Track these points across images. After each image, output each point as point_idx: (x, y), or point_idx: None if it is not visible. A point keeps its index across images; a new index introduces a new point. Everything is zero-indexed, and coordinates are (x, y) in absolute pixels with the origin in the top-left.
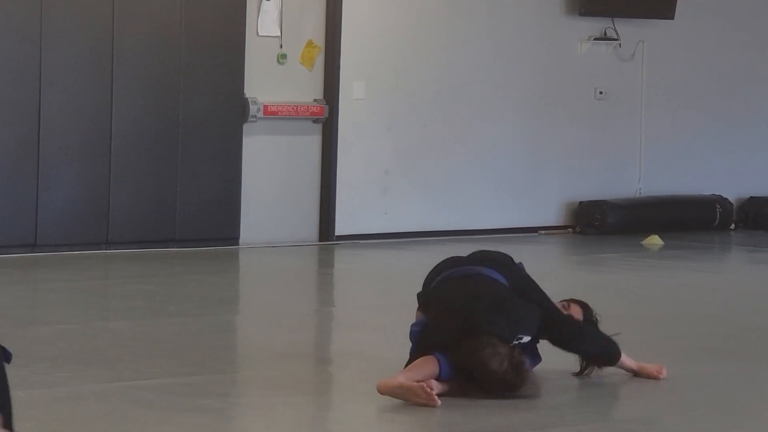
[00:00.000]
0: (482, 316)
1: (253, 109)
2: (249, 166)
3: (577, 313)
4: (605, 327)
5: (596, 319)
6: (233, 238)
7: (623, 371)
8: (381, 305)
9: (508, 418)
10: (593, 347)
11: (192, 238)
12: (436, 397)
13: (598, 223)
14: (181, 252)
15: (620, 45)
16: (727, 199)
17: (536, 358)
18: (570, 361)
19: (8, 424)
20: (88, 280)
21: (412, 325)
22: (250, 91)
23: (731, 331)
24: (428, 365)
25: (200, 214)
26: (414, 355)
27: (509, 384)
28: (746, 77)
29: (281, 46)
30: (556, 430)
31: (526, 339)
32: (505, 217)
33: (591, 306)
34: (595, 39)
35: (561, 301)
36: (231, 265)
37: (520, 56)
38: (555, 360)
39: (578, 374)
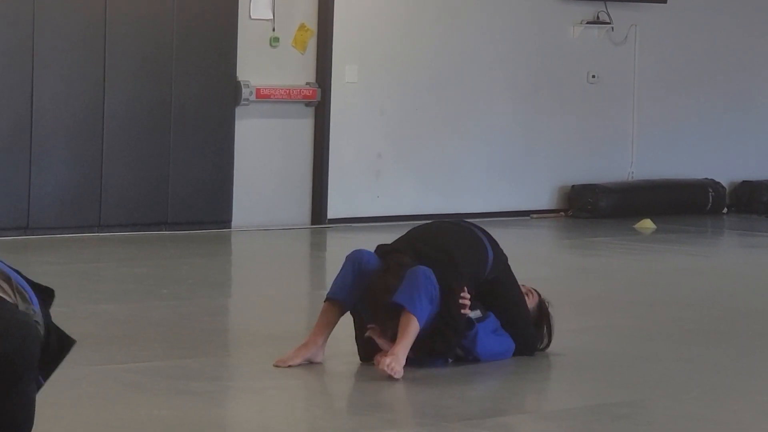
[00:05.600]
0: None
1: (245, 92)
2: (241, 149)
3: (532, 298)
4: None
5: (548, 302)
6: (226, 221)
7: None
8: None
9: (496, 401)
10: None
11: (184, 221)
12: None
13: (591, 207)
14: (173, 235)
15: (613, 29)
16: (719, 183)
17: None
18: (558, 344)
19: None
20: (81, 263)
21: None
22: (242, 74)
23: (723, 315)
24: (410, 325)
25: (192, 198)
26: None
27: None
28: (739, 61)
29: (274, 29)
30: (547, 412)
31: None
32: (498, 201)
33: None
34: (588, 23)
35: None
36: (223, 248)
37: (513, 40)
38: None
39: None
